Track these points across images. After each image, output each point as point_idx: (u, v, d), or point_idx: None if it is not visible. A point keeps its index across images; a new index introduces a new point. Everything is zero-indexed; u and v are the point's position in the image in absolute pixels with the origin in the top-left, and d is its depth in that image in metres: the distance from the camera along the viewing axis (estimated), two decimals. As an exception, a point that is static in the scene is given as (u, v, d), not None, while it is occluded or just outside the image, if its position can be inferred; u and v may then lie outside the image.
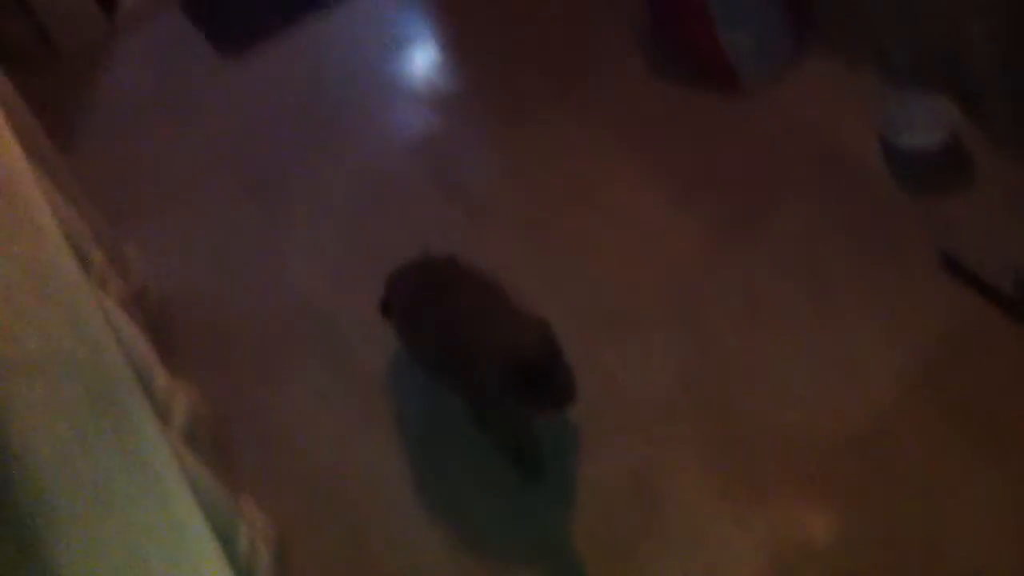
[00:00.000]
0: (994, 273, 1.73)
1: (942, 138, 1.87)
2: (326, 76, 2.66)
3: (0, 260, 0.88)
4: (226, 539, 1.22)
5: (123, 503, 0.78)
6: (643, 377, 1.84)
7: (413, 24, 2.77)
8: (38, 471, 0.75)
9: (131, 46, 2.92)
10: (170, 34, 2.91)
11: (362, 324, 2.01)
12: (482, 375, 1.55)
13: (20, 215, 0.95)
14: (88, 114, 2.75)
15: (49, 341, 0.78)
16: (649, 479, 1.69)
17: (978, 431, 1.62)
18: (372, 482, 1.81)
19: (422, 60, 2.65)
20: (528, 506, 1.72)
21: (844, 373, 1.75)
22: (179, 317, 2.13)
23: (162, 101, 2.72)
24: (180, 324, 2.11)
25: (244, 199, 2.38)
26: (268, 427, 1.93)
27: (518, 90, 2.42)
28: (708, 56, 2.18)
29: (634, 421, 1.78)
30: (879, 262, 1.87)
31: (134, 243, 2.20)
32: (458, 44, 2.69)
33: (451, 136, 2.39)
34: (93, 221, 1.89)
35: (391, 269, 1.89)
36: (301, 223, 2.29)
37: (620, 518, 1.67)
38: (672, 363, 1.85)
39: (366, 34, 2.74)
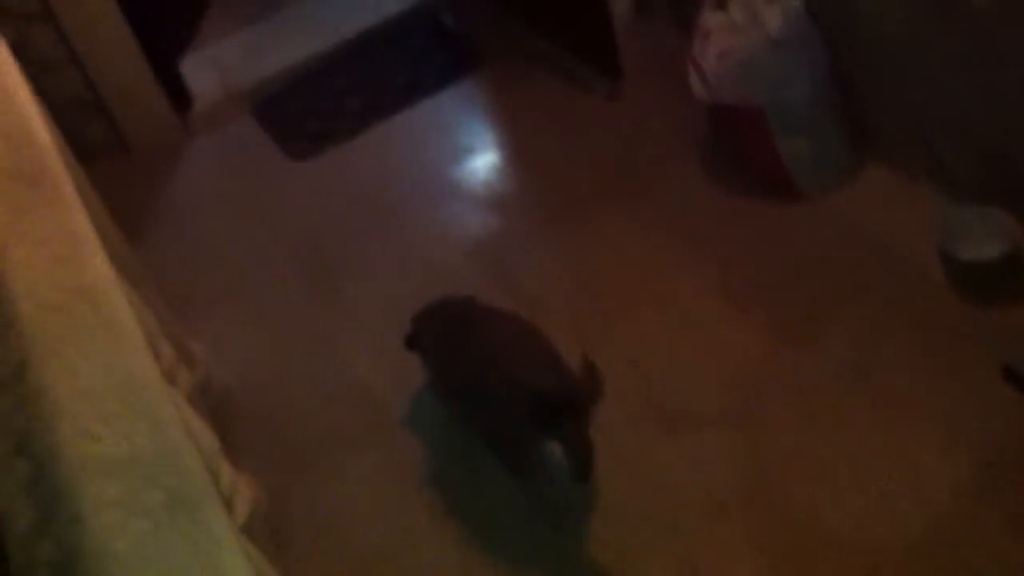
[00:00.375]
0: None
1: (1001, 250, 1.89)
2: (388, 178, 2.74)
3: (85, 364, 0.93)
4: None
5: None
6: (697, 476, 1.84)
7: (474, 129, 2.85)
8: (114, 566, 0.78)
9: (203, 147, 3.04)
10: (241, 137, 3.02)
11: (419, 418, 2.04)
12: (508, 411, 1.68)
13: (104, 318, 1.00)
14: (158, 210, 2.85)
15: (130, 446, 0.82)
16: (702, 581, 1.69)
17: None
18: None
19: (482, 163, 2.72)
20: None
21: (899, 479, 1.74)
22: (240, 408, 2.17)
23: (230, 199, 2.81)
24: (241, 415, 2.15)
25: (306, 293, 2.45)
26: (323, 519, 1.95)
27: (576, 194, 2.47)
28: (766, 164, 2.22)
29: (687, 519, 1.78)
30: (937, 370, 1.87)
31: (198, 335, 2.27)
32: (517, 149, 2.77)
33: (509, 236, 2.45)
34: (161, 314, 1.95)
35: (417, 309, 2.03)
36: (361, 317, 2.34)
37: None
38: (726, 463, 1.85)
39: (427, 139, 2.82)
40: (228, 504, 1.42)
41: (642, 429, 1.91)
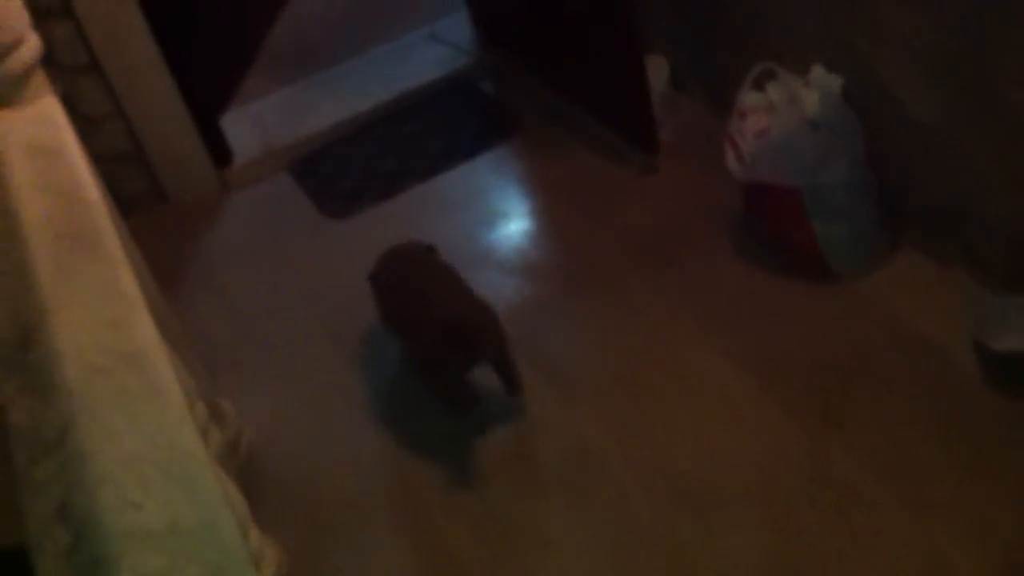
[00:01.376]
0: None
1: (1036, 342, 1.87)
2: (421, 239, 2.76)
3: (129, 430, 0.93)
4: None
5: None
6: (721, 559, 1.81)
7: (507, 195, 2.88)
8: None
9: (240, 202, 3.08)
10: (278, 194, 3.06)
11: (443, 488, 2.04)
12: (432, 341, 2.05)
13: (149, 383, 1.00)
14: (193, 263, 2.88)
15: (171, 517, 0.82)
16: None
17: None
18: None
19: (514, 229, 2.74)
20: None
21: (929, 569, 1.71)
22: (266, 466, 2.17)
23: (263, 255, 2.84)
24: (266, 474, 2.15)
25: (334, 353, 2.45)
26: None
27: (607, 265, 2.48)
28: (800, 244, 2.23)
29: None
30: (970, 464, 1.85)
31: (227, 391, 2.27)
32: (551, 217, 2.79)
33: (538, 304, 2.45)
34: (195, 371, 1.96)
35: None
36: (388, 380, 2.34)
37: None
38: (750, 544, 1.82)
39: (461, 203, 2.85)
40: (256, 569, 1.42)
41: (665, 508, 1.89)
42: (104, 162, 2.88)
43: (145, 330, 1.07)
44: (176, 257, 2.90)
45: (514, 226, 2.74)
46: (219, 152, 3.13)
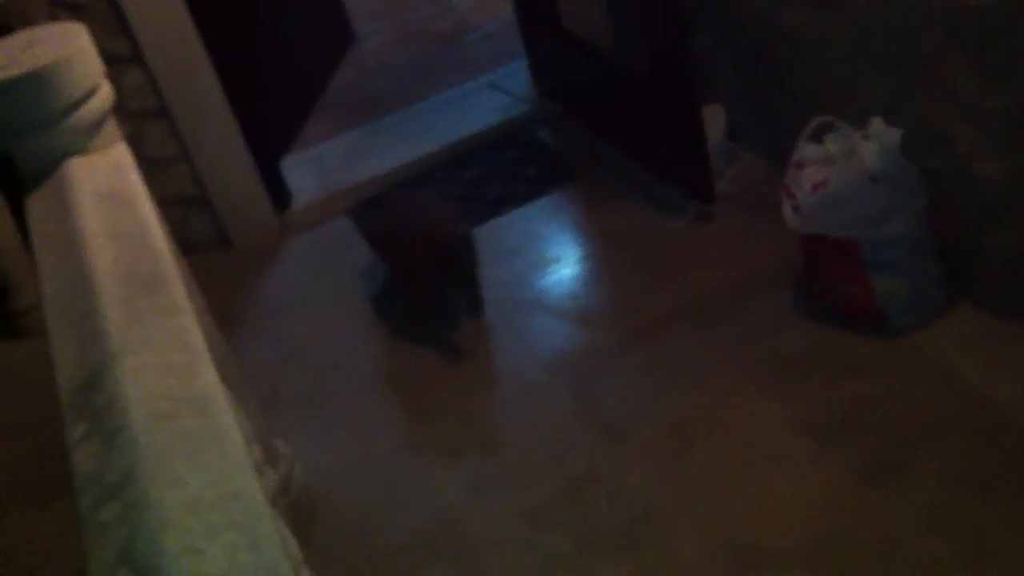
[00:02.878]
0: None
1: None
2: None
3: (192, 475, 0.95)
4: None
5: None
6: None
7: (562, 242, 2.90)
8: None
9: (299, 245, 3.13)
10: (336, 237, 3.10)
11: (496, 539, 2.04)
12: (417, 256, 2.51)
13: (212, 429, 1.02)
14: (253, 305, 2.93)
15: (232, 564, 0.83)
16: None
17: None
18: None
19: (568, 276, 2.75)
20: None
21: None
22: (317, 508, 2.19)
23: (321, 298, 2.88)
24: (318, 515, 2.17)
25: (389, 396, 2.48)
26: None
27: (661, 314, 2.48)
28: (857, 297, 2.21)
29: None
30: (1026, 523, 1.81)
31: (283, 431, 2.30)
32: (605, 265, 2.79)
33: (591, 352, 2.45)
34: (252, 412, 1.98)
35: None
36: (441, 426, 2.35)
37: None
38: (806, 606, 1.80)
39: (516, 248, 2.87)
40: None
41: (718, 566, 1.87)
42: (168, 204, 2.95)
43: (208, 376, 1.09)
44: (236, 298, 2.95)
45: (567, 272, 2.75)
46: (279, 195, 3.19)
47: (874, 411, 2.08)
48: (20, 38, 1.47)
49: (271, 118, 3.34)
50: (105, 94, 1.49)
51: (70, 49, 1.42)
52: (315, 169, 3.39)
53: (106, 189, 1.42)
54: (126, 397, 1.05)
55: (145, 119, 2.89)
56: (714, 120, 2.88)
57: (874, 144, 2.13)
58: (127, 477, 0.96)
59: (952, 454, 1.96)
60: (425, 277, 2.56)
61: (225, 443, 1.01)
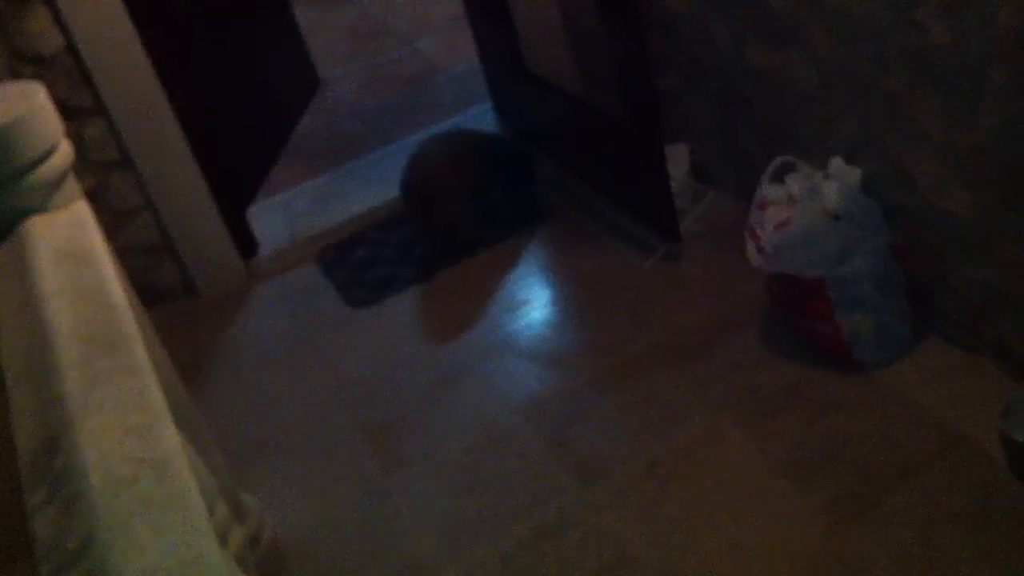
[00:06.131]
0: None
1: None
2: (447, 328, 2.78)
3: (152, 541, 0.94)
4: None
5: None
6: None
7: (533, 283, 2.89)
8: None
9: (266, 293, 3.11)
10: (304, 284, 3.09)
11: (469, 586, 2.02)
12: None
13: (172, 493, 1.01)
14: (219, 355, 2.91)
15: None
16: None
17: None
18: None
19: (539, 318, 2.74)
20: None
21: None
22: (287, 561, 2.16)
23: (289, 346, 2.86)
24: (288, 568, 2.14)
25: (360, 444, 2.45)
26: None
27: (632, 354, 2.48)
28: (825, 335, 2.22)
29: None
30: (1000, 557, 1.81)
31: (251, 484, 2.27)
32: (576, 305, 2.79)
33: (564, 395, 2.44)
34: (218, 468, 1.96)
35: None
36: (414, 473, 2.33)
37: None
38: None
39: (487, 291, 2.87)
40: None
41: (695, 605, 1.86)
42: (133, 254, 2.95)
43: (169, 438, 1.08)
44: (203, 348, 2.93)
45: (539, 314, 2.75)
46: (246, 243, 3.18)
47: (848, 448, 2.08)
48: (-24, 97, 1.46)
49: (236, 165, 3.33)
50: (64, 152, 1.48)
51: (28, 107, 1.41)
52: (282, 216, 3.39)
53: (66, 247, 1.41)
54: (85, 461, 1.04)
55: (109, 170, 2.87)
56: (678, 159, 2.90)
57: (835, 183, 2.16)
58: (86, 544, 0.95)
59: (926, 491, 1.96)
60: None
61: (186, 508, 1.00)
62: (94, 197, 2.82)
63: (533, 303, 2.79)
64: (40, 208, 1.47)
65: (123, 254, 2.67)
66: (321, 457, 2.44)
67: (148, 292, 2.91)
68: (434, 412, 2.49)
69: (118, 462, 1.04)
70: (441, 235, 3.06)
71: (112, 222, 2.91)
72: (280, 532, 2.21)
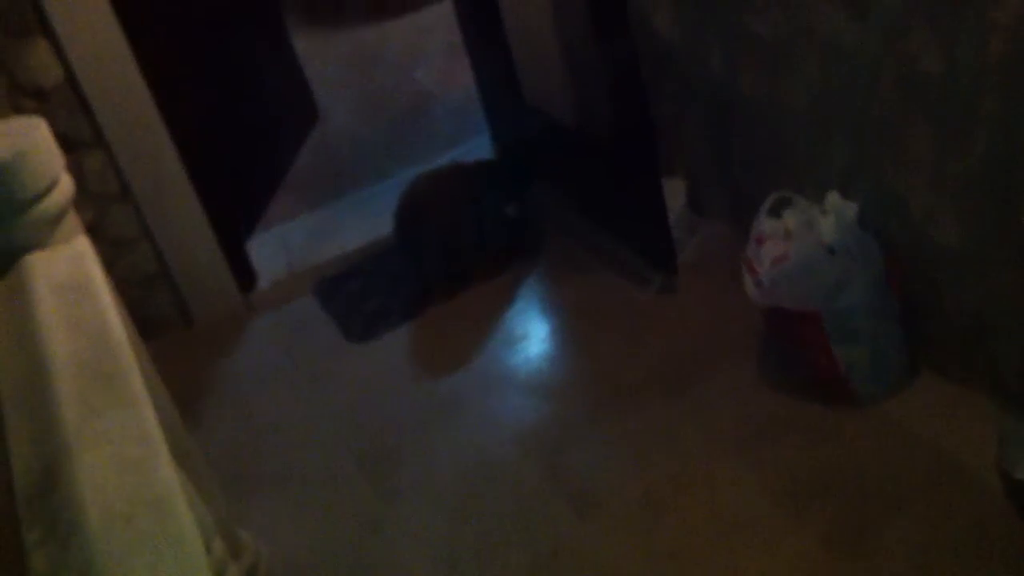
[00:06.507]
0: None
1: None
2: (443, 361, 2.78)
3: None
4: None
5: None
6: None
7: (529, 316, 2.90)
8: None
9: (264, 325, 3.12)
10: (301, 316, 3.10)
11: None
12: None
13: (168, 531, 1.01)
14: (216, 387, 2.91)
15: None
16: None
17: None
18: None
19: (536, 351, 2.75)
20: None
21: None
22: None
23: (286, 378, 2.86)
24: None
25: (356, 475, 2.44)
26: None
27: (628, 385, 2.48)
28: (821, 367, 2.22)
29: None
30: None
31: (247, 517, 2.27)
32: (572, 337, 2.80)
33: (560, 426, 2.44)
34: (215, 502, 1.95)
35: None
36: (409, 504, 2.32)
37: None
38: None
39: (483, 324, 2.87)
40: None
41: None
42: (132, 285, 2.95)
43: (166, 474, 1.08)
44: (200, 379, 2.93)
45: (536, 348, 2.76)
46: (244, 275, 3.19)
47: (843, 479, 2.08)
48: (-23, 133, 1.47)
49: (235, 197, 3.35)
50: (65, 188, 1.49)
51: (29, 143, 1.42)
52: (280, 248, 3.40)
53: (65, 282, 1.42)
54: (82, 497, 1.04)
55: (108, 201, 2.88)
56: (675, 192, 2.92)
57: (831, 218, 2.17)
58: (83, 582, 0.95)
59: (921, 521, 1.96)
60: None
61: (183, 547, 1.00)
62: (93, 229, 2.82)
63: (530, 337, 2.80)
64: (41, 244, 1.48)
65: (121, 285, 2.67)
66: (317, 488, 2.44)
67: (146, 323, 2.91)
68: (430, 443, 2.49)
69: (115, 498, 1.04)
70: (436, 269, 3.07)
71: (110, 253, 2.92)
72: (276, 565, 2.21)
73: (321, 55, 5.05)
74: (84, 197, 2.79)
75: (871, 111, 2.13)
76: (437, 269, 3.06)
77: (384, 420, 2.61)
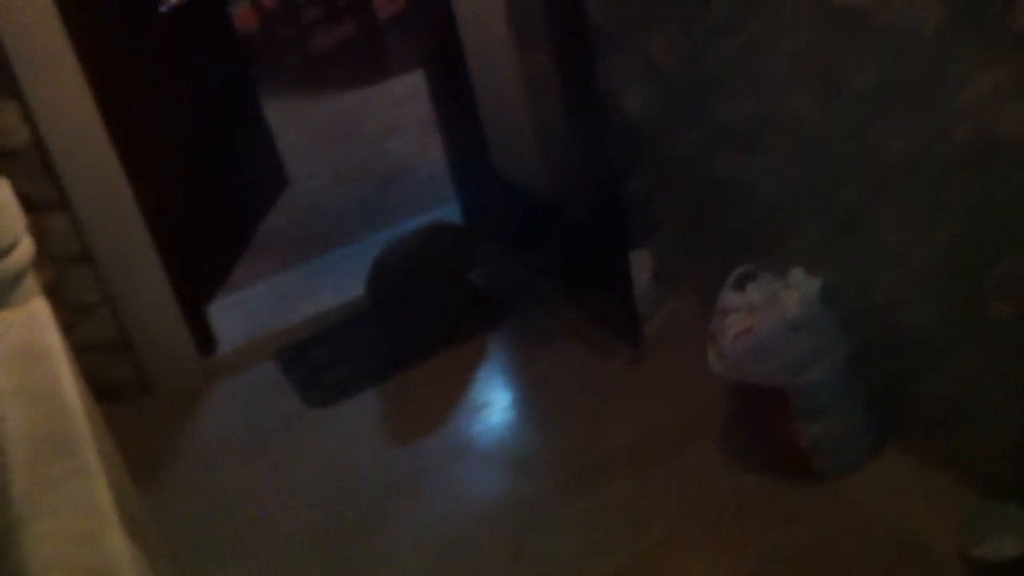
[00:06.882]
0: None
1: (1019, 550, 1.84)
2: (406, 430, 2.76)
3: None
4: None
5: None
6: None
7: (494, 385, 2.89)
8: None
9: (224, 392, 3.07)
10: (262, 382, 3.06)
11: None
12: None
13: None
14: (173, 456, 2.85)
15: None
16: None
17: None
18: None
19: (500, 420, 2.73)
20: None
21: None
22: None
23: (245, 447, 2.82)
24: None
25: (313, 551, 2.38)
26: None
27: (593, 459, 2.46)
28: (784, 443, 2.21)
29: None
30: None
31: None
32: (536, 407, 2.78)
33: (524, 500, 2.41)
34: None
35: None
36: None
37: None
38: None
39: (447, 392, 2.85)
40: None
41: None
42: (90, 350, 2.91)
43: (117, 547, 1.05)
44: (158, 447, 2.87)
45: (500, 417, 2.73)
46: (205, 340, 3.15)
47: (810, 560, 2.06)
48: (-62, 192, 1.45)
49: (200, 261, 3.32)
50: (25, 249, 1.47)
51: (-10, 204, 1.40)
52: (243, 313, 3.37)
53: (21, 346, 1.39)
54: (29, 566, 1.01)
55: (70, 264, 2.85)
56: (642, 264, 2.93)
57: (795, 293, 2.18)
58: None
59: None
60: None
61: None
62: (53, 291, 2.78)
63: (494, 405, 2.77)
64: (-2, 304, 1.45)
65: (80, 350, 2.63)
66: (274, 564, 2.38)
67: (103, 389, 2.85)
68: (391, 517, 2.44)
69: (63, 570, 1.01)
70: (406, 333, 3.05)
71: (70, 317, 2.87)
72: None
73: (294, 123, 5.07)
74: (45, 258, 2.75)
75: (839, 193, 2.16)
76: (405, 333, 3.04)
77: (343, 492, 2.56)
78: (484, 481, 2.51)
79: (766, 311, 2.19)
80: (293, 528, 2.47)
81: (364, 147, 4.75)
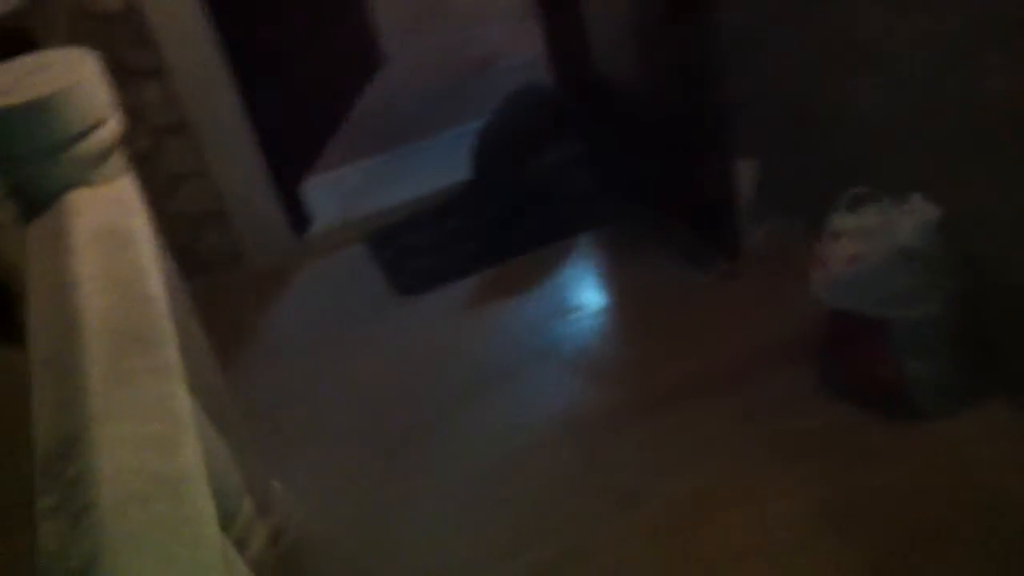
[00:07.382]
0: None
1: None
2: (489, 327, 2.71)
3: (157, 565, 0.89)
4: None
5: None
6: None
7: (582, 289, 2.82)
8: None
9: (313, 271, 3.06)
10: (352, 265, 3.04)
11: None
12: None
13: (184, 515, 0.96)
14: (259, 331, 2.87)
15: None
16: None
17: None
18: None
19: (585, 326, 2.66)
20: None
21: None
22: (309, 561, 2.11)
23: (331, 328, 2.81)
24: (309, 569, 2.09)
25: (393, 442, 2.38)
26: None
27: (678, 377, 2.39)
28: (882, 377, 2.12)
29: None
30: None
31: (279, 471, 2.22)
32: (624, 317, 2.71)
33: (602, 412, 2.36)
34: (246, 456, 1.91)
35: None
36: (439, 479, 2.27)
37: None
38: None
39: (535, 292, 2.80)
40: None
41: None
42: (184, 219, 2.91)
43: (190, 454, 1.02)
44: (245, 322, 2.89)
45: (584, 323, 2.67)
46: (298, 218, 3.13)
47: (890, 501, 1.98)
48: (27, 62, 1.41)
49: (293, 138, 3.28)
50: (113, 127, 1.42)
51: (77, 78, 1.35)
52: (335, 193, 3.33)
53: (106, 228, 1.35)
54: (99, 470, 0.99)
55: (165, 134, 2.83)
56: (748, 175, 2.79)
57: (912, 220, 2.05)
58: (90, 563, 0.90)
59: (969, 553, 1.86)
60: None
61: (196, 531, 0.94)
62: (148, 159, 2.78)
63: (579, 310, 2.71)
64: (84, 181, 1.42)
65: (173, 220, 2.64)
66: (352, 452, 2.38)
67: (195, 260, 2.88)
68: (466, 415, 2.42)
69: (133, 476, 0.98)
70: (509, 205, 3.09)
71: (165, 186, 2.87)
72: (308, 522, 2.16)
73: (391, 3, 4.93)
74: (141, 127, 2.74)
75: (966, 122, 2.00)
76: (508, 205, 3.08)
77: (424, 386, 2.54)
78: (563, 387, 2.46)
79: (879, 236, 2.06)
80: (373, 414, 2.47)
81: (461, 30, 4.62)
